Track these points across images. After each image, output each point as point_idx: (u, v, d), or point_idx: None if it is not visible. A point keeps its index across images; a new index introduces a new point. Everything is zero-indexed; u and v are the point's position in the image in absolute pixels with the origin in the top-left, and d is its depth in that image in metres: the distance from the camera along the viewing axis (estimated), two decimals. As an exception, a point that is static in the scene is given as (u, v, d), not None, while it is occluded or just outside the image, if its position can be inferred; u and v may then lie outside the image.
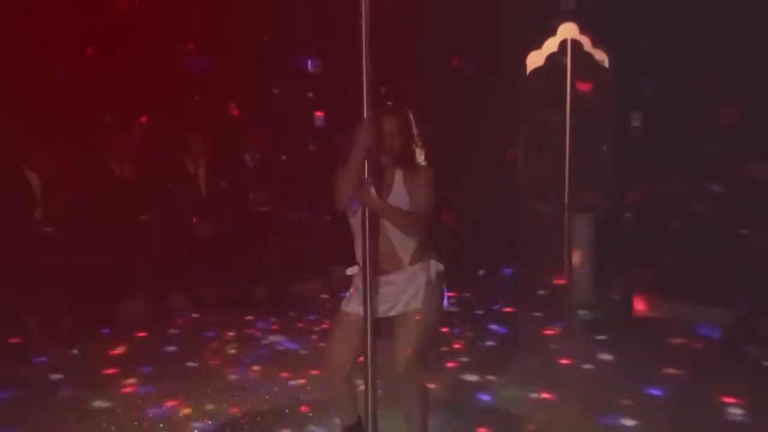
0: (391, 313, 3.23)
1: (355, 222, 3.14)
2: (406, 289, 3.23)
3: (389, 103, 3.23)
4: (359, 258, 3.17)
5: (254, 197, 6.62)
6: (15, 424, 4.00)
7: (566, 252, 7.20)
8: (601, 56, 7.23)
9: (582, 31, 7.26)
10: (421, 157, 3.22)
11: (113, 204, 5.92)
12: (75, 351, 5.22)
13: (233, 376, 4.71)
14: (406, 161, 3.16)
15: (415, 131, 3.23)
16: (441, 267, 3.31)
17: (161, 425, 3.94)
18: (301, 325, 5.93)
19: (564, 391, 4.39)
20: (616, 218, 6.92)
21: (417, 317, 3.19)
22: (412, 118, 3.22)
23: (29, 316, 5.52)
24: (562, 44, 7.34)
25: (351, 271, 3.35)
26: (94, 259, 5.69)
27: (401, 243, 3.20)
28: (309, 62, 7.05)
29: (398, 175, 3.17)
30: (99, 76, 6.40)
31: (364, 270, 3.03)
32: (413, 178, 3.16)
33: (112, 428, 3.89)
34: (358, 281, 3.25)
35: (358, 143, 2.99)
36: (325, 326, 5.44)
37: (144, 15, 6.79)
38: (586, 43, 7.25)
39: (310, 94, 7.20)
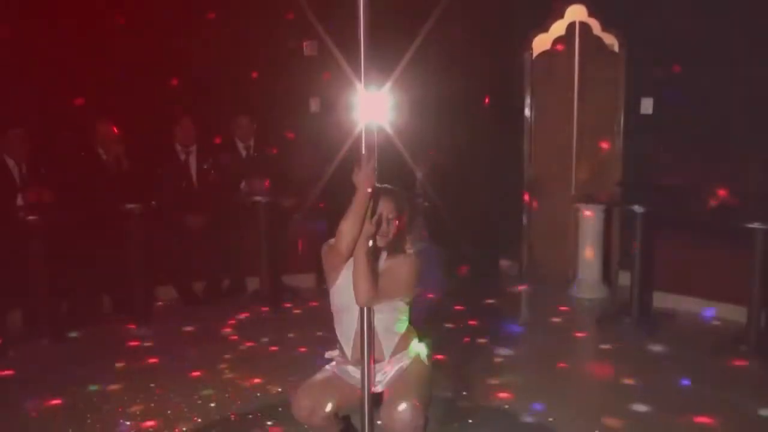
0: (381, 387, 3.27)
1: (336, 296, 3.22)
2: (393, 369, 3.29)
3: (388, 187, 3.26)
4: (340, 336, 3.26)
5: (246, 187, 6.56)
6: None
7: (574, 245, 7.20)
8: (611, 40, 7.16)
9: (591, 13, 7.17)
10: (409, 245, 3.32)
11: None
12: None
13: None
14: (396, 248, 3.24)
15: (409, 218, 3.34)
16: (426, 350, 3.40)
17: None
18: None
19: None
20: (624, 210, 6.80)
21: (408, 373, 3.26)
22: (408, 204, 3.33)
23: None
24: (570, 27, 7.28)
25: (330, 354, 3.40)
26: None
27: (385, 334, 3.24)
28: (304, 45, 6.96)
29: (383, 259, 3.24)
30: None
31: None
32: (396, 265, 3.23)
33: None
34: (341, 362, 3.30)
35: (360, 184, 3.00)
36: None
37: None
38: (595, 26, 7.18)
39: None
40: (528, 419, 4.17)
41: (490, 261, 7.81)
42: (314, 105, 6.91)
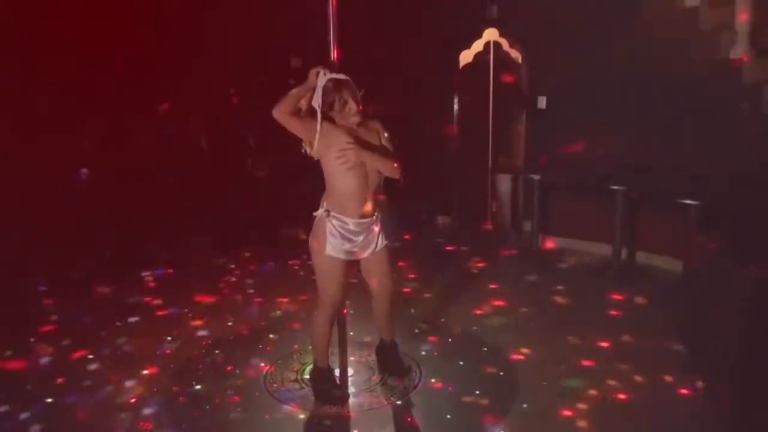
0: (370, 252, 3.70)
1: (337, 161, 3.49)
2: (377, 233, 3.68)
3: (344, 77, 3.52)
4: (344, 192, 3.50)
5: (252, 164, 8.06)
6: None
7: (491, 203, 8.45)
8: (515, 54, 7.97)
9: (501, 34, 8.00)
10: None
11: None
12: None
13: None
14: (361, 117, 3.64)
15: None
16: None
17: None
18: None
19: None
20: (527, 178, 7.72)
21: (385, 253, 3.81)
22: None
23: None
24: (487, 45, 8.10)
25: (321, 212, 3.61)
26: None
27: (374, 191, 3.62)
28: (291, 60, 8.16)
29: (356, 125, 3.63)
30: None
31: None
32: (370, 127, 3.73)
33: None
34: (337, 214, 3.53)
35: (311, 72, 3.43)
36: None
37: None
38: (504, 44, 8.01)
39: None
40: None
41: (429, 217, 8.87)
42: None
